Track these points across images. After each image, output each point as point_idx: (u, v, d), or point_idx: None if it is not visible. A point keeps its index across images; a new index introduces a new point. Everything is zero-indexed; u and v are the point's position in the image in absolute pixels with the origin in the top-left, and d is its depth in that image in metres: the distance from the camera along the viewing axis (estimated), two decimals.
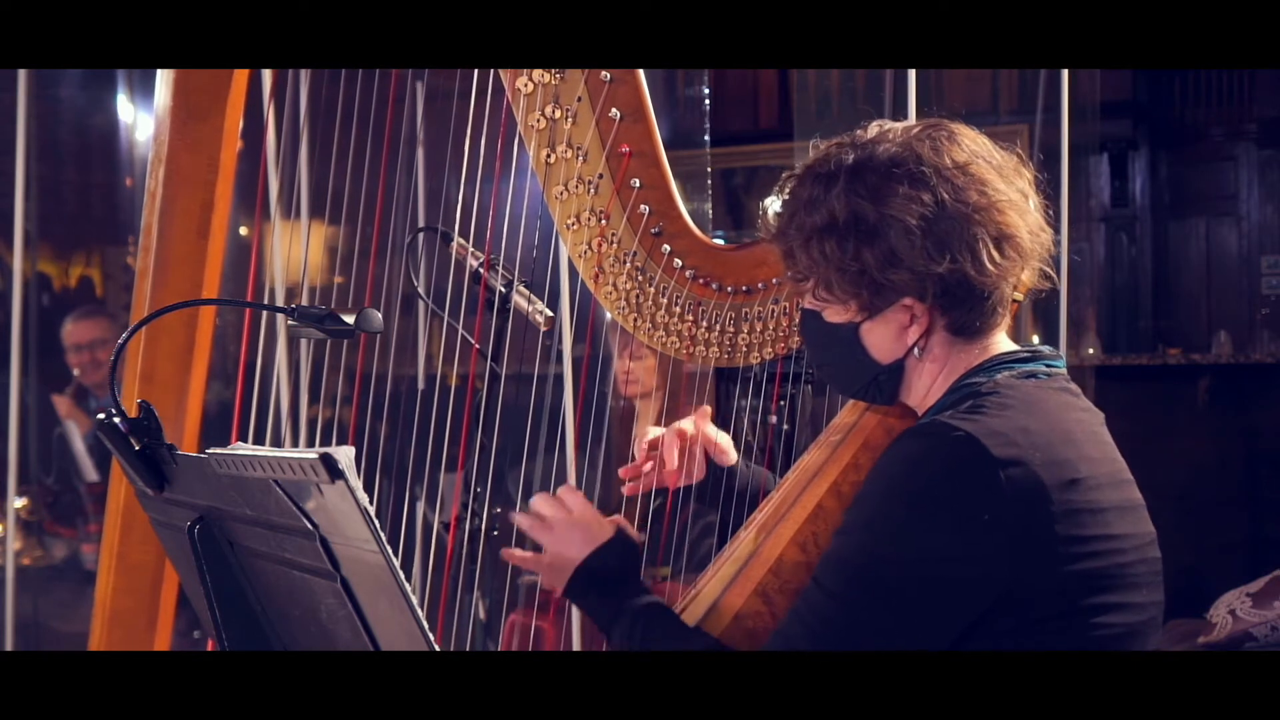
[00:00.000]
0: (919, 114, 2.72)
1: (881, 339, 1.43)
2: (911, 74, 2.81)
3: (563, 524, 1.53)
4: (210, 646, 1.85)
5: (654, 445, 1.73)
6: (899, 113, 2.95)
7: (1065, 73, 3.13)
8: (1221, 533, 4.96)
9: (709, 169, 4.55)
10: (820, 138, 1.49)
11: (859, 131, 1.45)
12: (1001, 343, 1.45)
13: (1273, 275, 6.92)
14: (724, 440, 1.74)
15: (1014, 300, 1.47)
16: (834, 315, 1.44)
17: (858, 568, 1.32)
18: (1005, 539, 1.27)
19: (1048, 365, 1.43)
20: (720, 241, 1.76)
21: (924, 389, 1.46)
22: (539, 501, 1.56)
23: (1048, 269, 1.46)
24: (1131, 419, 5.01)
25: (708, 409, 1.74)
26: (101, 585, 2.03)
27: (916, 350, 1.43)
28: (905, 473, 1.33)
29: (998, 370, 1.41)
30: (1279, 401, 5.14)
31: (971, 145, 1.41)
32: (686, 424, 1.73)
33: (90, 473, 4.12)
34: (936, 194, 1.36)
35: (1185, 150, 7.17)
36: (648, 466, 1.72)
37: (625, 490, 1.72)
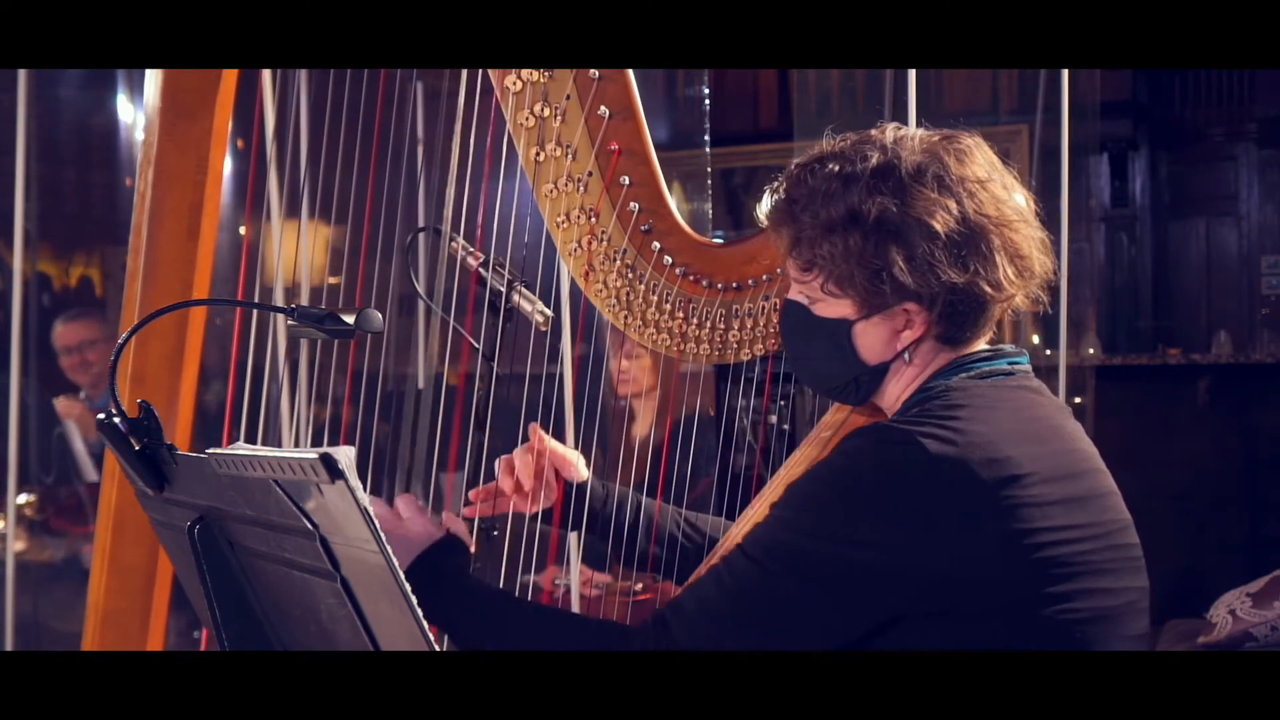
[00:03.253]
0: (919, 114, 2.72)
1: (874, 340, 1.43)
2: (911, 74, 2.81)
3: (398, 526, 1.54)
4: (204, 645, 1.84)
5: (509, 468, 1.70)
6: (899, 113, 2.95)
7: (1065, 73, 3.13)
8: (1221, 533, 4.96)
9: (709, 169, 4.55)
10: (834, 131, 1.48)
11: (874, 132, 1.44)
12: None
13: (1273, 275, 6.92)
14: (573, 455, 1.72)
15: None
16: (826, 310, 1.44)
17: (780, 541, 1.35)
18: (937, 535, 1.28)
19: (1010, 363, 1.44)
20: (719, 240, 1.76)
21: (898, 392, 1.46)
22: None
23: (1042, 295, 1.46)
24: (1131, 419, 5.05)
25: (537, 427, 1.71)
26: (94, 587, 2.02)
27: (907, 355, 1.43)
28: (842, 464, 1.35)
29: (955, 373, 1.42)
30: (1279, 401, 5.14)
31: (986, 163, 1.42)
32: (533, 442, 1.70)
33: (90, 473, 4.12)
34: (961, 203, 1.37)
35: (1185, 150, 7.17)
36: (508, 486, 1.70)
37: (465, 512, 1.69)
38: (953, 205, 1.36)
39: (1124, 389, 5.28)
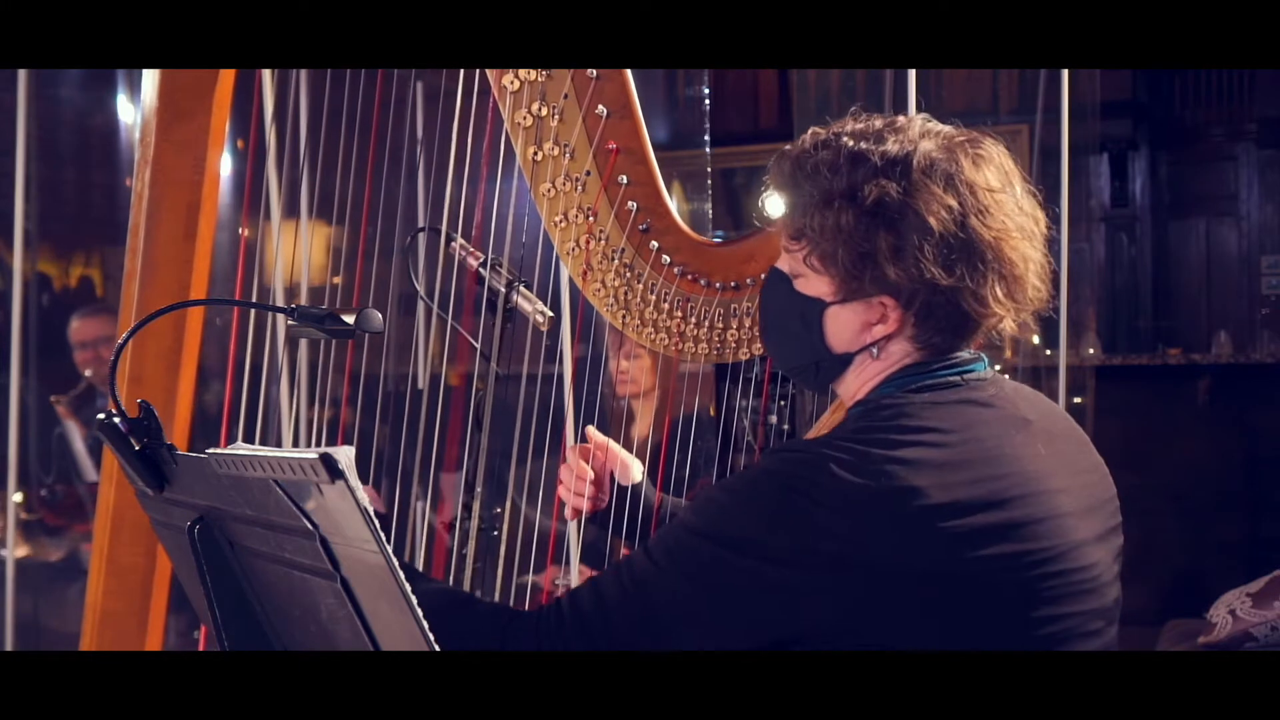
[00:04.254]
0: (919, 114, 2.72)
1: (844, 327, 1.40)
2: (911, 74, 2.81)
3: None
4: (202, 645, 1.83)
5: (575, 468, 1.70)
6: (899, 113, 2.95)
7: (1065, 73, 3.13)
8: (1221, 533, 4.97)
9: (709, 169, 4.55)
10: (860, 109, 1.45)
11: (901, 120, 1.41)
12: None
13: (1273, 275, 6.93)
14: (634, 464, 1.71)
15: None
16: (805, 286, 1.41)
17: (677, 541, 1.34)
18: (833, 560, 1.26)
19: (961, 373, 1.39)
20: (718, 240, 1.76)
21: (856, 387, 1.43)
22: None
23: (1031, 322, 1.43)
24: (1131, 419, 5.05)
25: (592, 430, 1.71)
26: (92, 587, 2.02)
27: (874, 350, 1.40)
28: (752, 478, 1.34)
29: (901, 382, 1.39)
30: (1279, 401, 5.15)
31: (1003, 174, 1.38)
32: (595, 439, 1.70)
33: (90, 473, 4.12)
34: (965, 207, 1.34)
35: (1185, 150, 7.19)
36: (569, 485, 1.70)
37: (568, 515, 1.71)
38: (954, 204, 1.33)
39: (1124, 389, 5.28)
